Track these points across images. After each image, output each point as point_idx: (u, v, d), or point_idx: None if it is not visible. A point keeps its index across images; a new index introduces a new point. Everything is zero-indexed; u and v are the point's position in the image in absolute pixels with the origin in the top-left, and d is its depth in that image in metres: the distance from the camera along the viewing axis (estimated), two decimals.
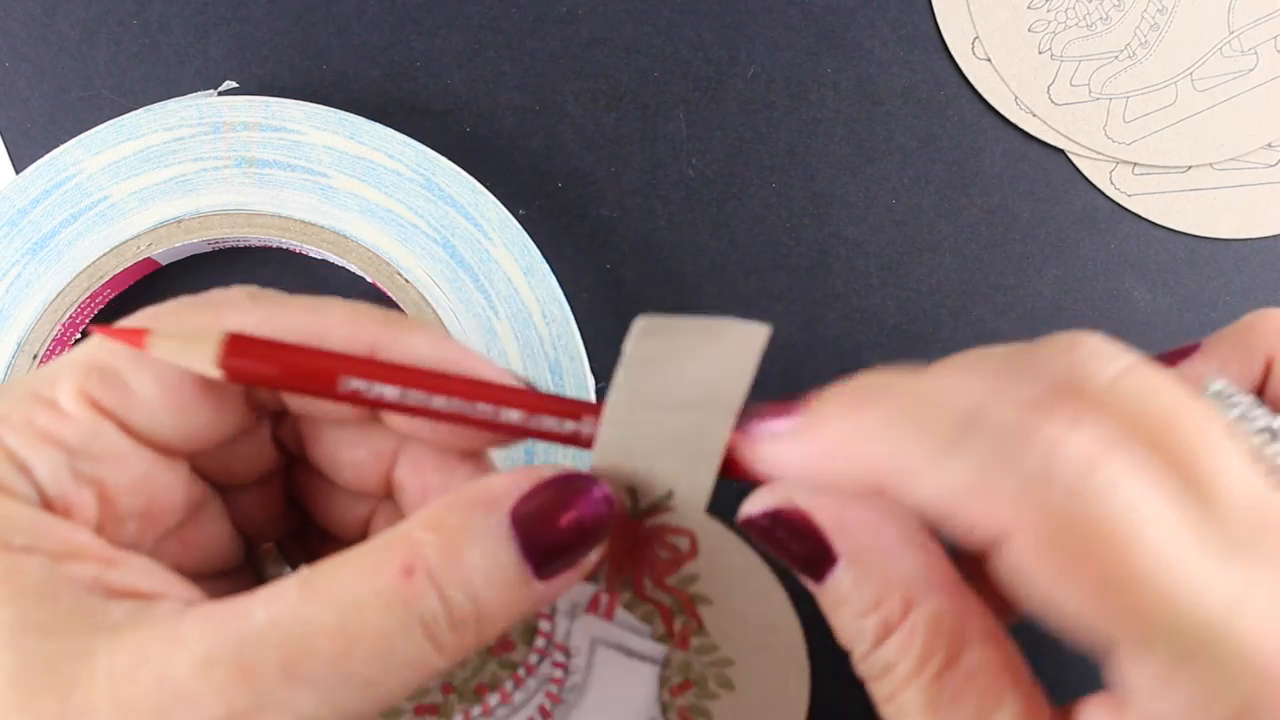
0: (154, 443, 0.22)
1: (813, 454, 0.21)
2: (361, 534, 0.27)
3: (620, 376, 0.22)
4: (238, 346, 0.21)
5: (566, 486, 0.22)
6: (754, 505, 0.22)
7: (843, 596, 0.21)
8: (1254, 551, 0.18)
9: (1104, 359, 0.20)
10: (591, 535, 0.22)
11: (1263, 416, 0.21)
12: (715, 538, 0.24)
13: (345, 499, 0.26)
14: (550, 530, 0.21)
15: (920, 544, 0.21)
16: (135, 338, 0.21)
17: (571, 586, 0.22)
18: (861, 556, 0.21)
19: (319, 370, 0.21)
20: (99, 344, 0.21)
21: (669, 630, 0.24)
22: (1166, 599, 0.18)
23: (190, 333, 0.21)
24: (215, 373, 0.21)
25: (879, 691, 0.21)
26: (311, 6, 0.38)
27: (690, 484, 0.23)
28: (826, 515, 0.21)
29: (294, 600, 0.19)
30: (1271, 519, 0.19)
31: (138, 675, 0.19)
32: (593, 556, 0.22)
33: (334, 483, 0.25)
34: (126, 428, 0.21)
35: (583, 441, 0.22)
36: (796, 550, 0.21)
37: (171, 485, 0.22)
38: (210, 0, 0.38)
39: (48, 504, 0.20)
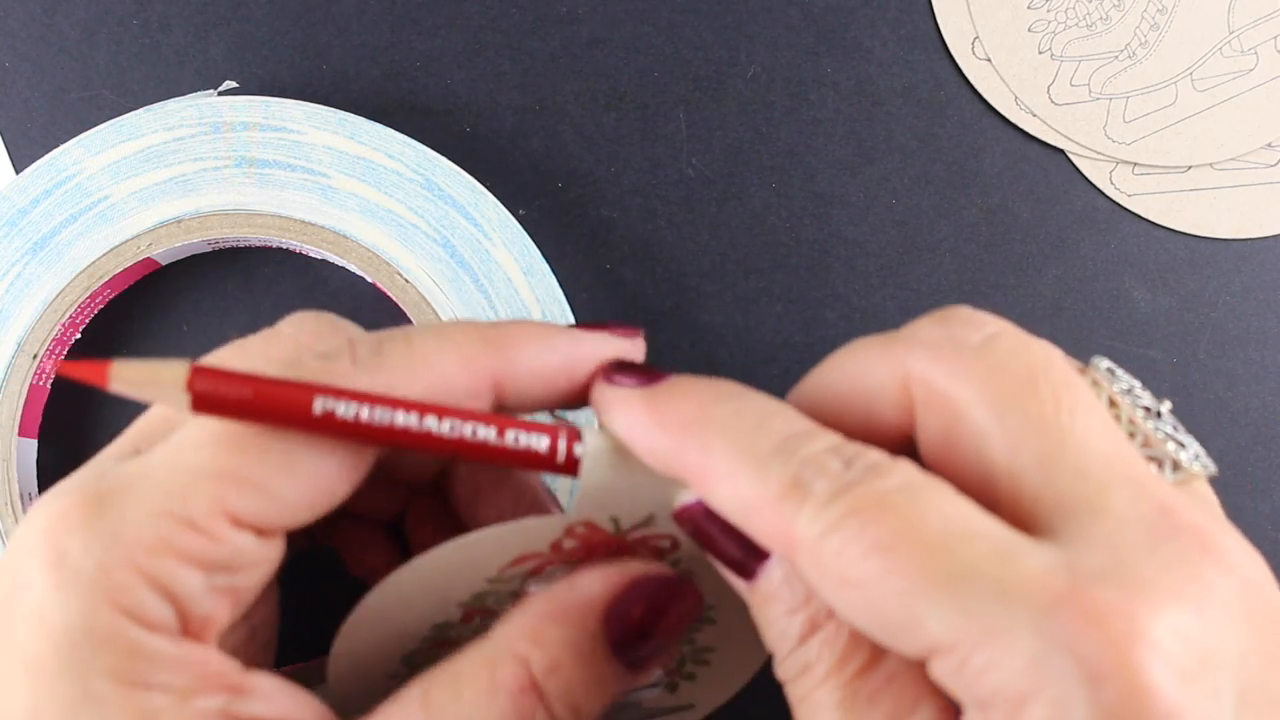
0: (283, 532, 0.21)
1: (645, 422, 0.21)
2: (394, 516, 0.28)
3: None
4: (203, 379, 0.20)
5: (660, 590, 0.22)
6: (690, 496, 0.22)
7: (772, 593, 0.21)
8: (1097, 500, 0.19)
9: (976, 325, 0.21)
10: (681, 635, 0.23)
11: (1147, 397, 0.22)
12: None
13: (383, 487, 0.26)
14: (646, 636, 0.22)
15: None
16: (97, 372, 0.20)
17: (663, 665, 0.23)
18: None
19: (291, 399, 0.20)
20: (230, 447, 0.20)
21: None
22: (950, 552, 0.18)
23: (153, 367, 0.20)
24: (183, 408, 0.20)
25: (796, 691, 0.21)
26: (311, 6, 0.38)
27: (670, 507, 0.23)
28: None
29: None
30: (1124, 472, 0.19)
31: None
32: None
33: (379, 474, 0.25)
34: (263, 532, 0.21)
35: (561, 469, 0.22)
36: (731, 543, 0.21)
37: (281, 554, 0.22)
38: (210, 0, 0.38)
39: (185, 623, 0.20)
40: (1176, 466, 0.21)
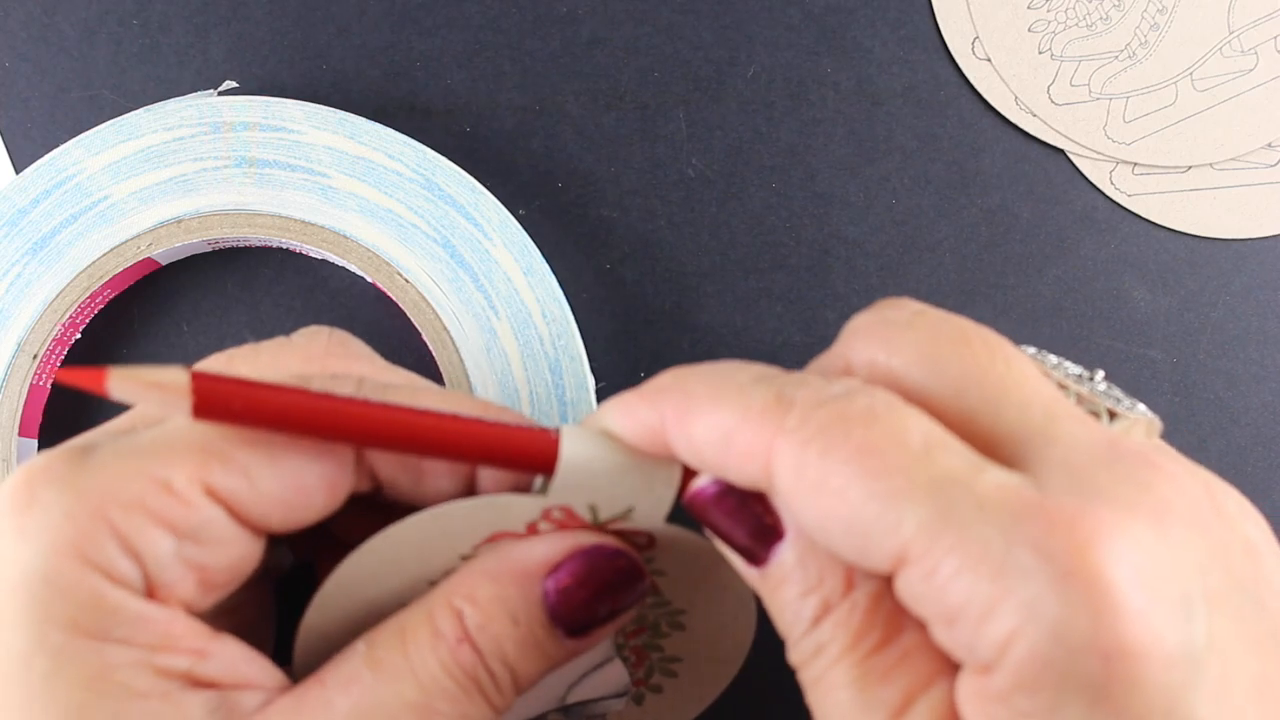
0: (258, 527, 0.21)
1: (625, 397, 0.22)
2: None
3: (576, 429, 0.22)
4: (205, 386, 0.20)
5: (601, 561, 0.23)
6: (703, 480, 0.22)
7: (785, 576, 0.21)
8: (1046, 431, 0.20)
9: (903, 306, 0.22)
10: (624, 608, 0.23)
11: (1076, 368, 0.23)
12: (673, 533, 0.24)
13: (379, 514, 0.26)
14: (582, 605, 0.22)
15: None
16: (95, 378, 0.20)
17: (605, 637, 0.23)
18: (807, 534, 0.21)
19: (293, 405, 0.21)
20: (219, 431, 0.21)
21: None
22: (921, 463, 0.19)
23: (152, 372, 0.20)
24: (185, 414, 0.20)
25: (809, 674, 0.21)
26: (311, 6, 0.38)
27: (650, 502, 0.23)
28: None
29: (370, 682, 0.21)
30: (1066, 411, 0.20)
31: None
32: (629, 614, 0.23)
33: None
34: (238, 515, 0.21)
35: (540, 468, 0.22)
36: (742, 525, 0.21)
37: (257, 555, 0.22)
38: (210, 0, 0.38)
39: (151, 588, 0.20)
40: (1114, 416, 0.22)
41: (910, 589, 0.19)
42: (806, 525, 0.20)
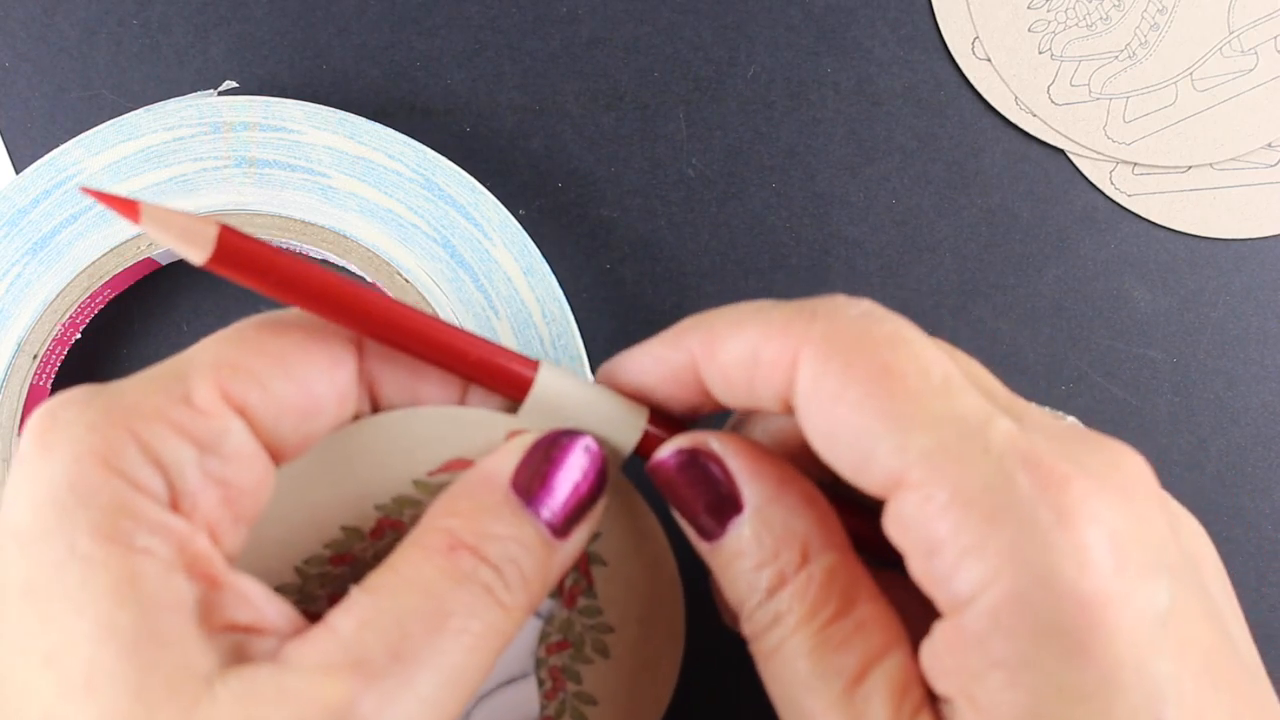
0: (273, 445, 0.21)
1: (645, 344, 0.23)
2: None
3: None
4: (229, 238, 0.21)
5: (552, 445, 0.23)
6: (667, 448, 0.23)
7: (740, 550, 0.22)
8: (1012, 408, 0.21)
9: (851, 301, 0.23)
10: (585, 484, 0.23)
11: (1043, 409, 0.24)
12: (624, 498, 0.24)
13: None
14: (548, 490, 0.22)
15: (820, 504, 0.22)
16: (129, 206, 0.20)
17: (588, 538, 0.23)
18: (766, 507, 0.22)
19: (307, 275, 0.22)
20: (232, 343, 0.21)
21: (559, 586, 0.24)
22: (940, 397, 0.20)
23: (182, 216, 0.21)
24: (203, 258, 0.21)
25: (765, 645, 0.21)
26: (311, 6, 0.38)
27: (613, 441, 0.23)
28: (739, 462, 0.22)
29: (371, 603, 0.20)
30: (1028, 405, 0.21)
31: (261, 692, 0.19)
32: (600, 505, 0.23)
33: None
34: (256, 428, 0.21)
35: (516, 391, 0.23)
36: (704, 494, 0.22)
37: (271, 483, 0.22)
38: (210, 0, 0.38)
39: (175, 500, 0.20)
40: None
41: (900, 514, 0.19)
42: (812, 435, 0.21)
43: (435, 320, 0.23)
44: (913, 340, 0.20)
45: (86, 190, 0.20)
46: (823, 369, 0.20)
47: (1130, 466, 0.20)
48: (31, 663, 0.18)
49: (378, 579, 0.21)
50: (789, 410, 0.21)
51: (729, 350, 0.22)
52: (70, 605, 0.18)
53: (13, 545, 0.19)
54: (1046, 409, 0.23)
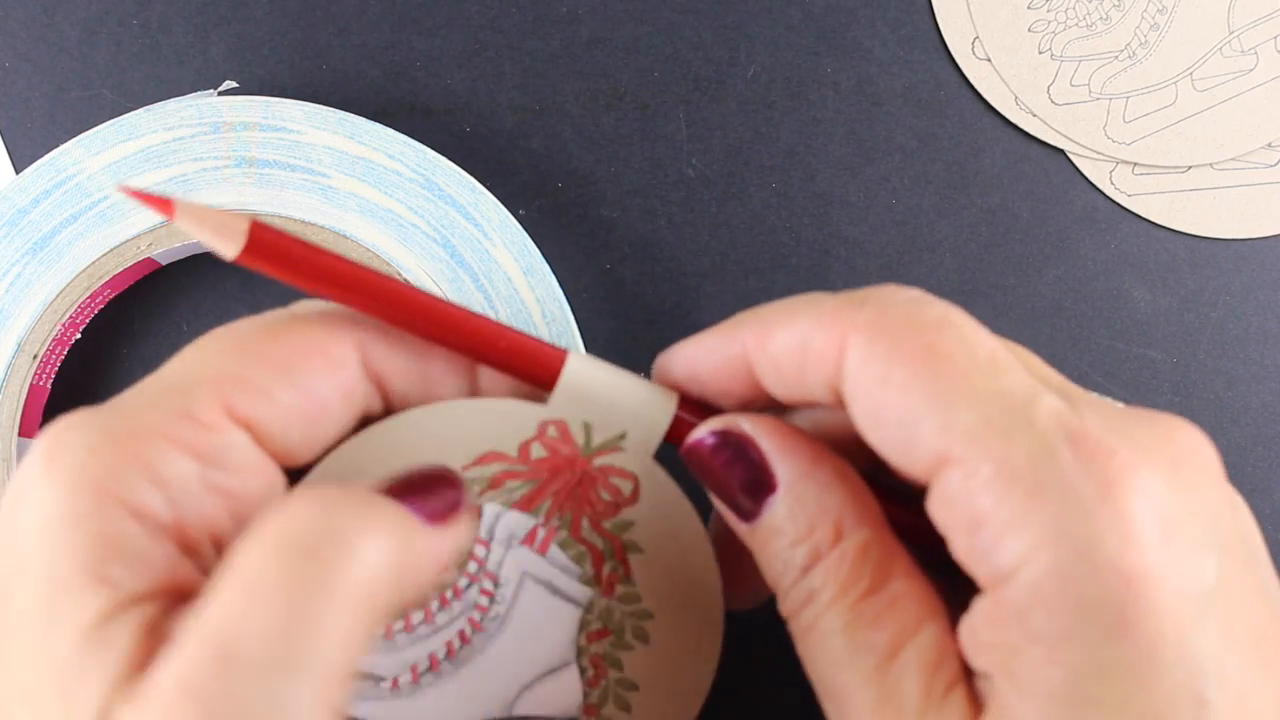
0: (281, 453, 0.21)
1: (696, 338, 0.23)
2: None
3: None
4: (260, 233, 0.21)
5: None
6: (701, 430, 0.23)
7: (776, 528, 0.22)
8: (1065, 390, 0.21)
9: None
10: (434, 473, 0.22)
11: None
12: (657, 485, 0.24)
13: None
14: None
15: (853, 481, 0.22)
16: (163, 203, 0.21)
17: (466, 534, 0.23)
18: (798, 485, 0.22)
19: (330, 267, 0.22)
20: (233, 354, 0.21)
21: (597, 574, 0.24)
22: (985, 375, 0.20)
23: (215, 212, 0.21)
24: (236, 252, 0.21)
25: (801, 622, 0.21)
26: (311, 6, 0.38)
27: (644, 427, 0.23)
28: (771, 442, 0.22)
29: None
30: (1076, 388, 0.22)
31: None
32: (469, 494, 0.23)
33: None
34: (259, 437, 0.21)
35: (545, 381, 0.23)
36: (738, 475, 0.22)
37: (280, 488, 0.22)
38: (210, 0, 0.38)
39: (179, 519, 0.20)
40: None
41: (944, 492, 0.20)
42: (860, 419, 0.21)
43: (464, 309, 0.23)
44: (960, 323, 0.21)
45: (123, 189, 0.21)
46: (870, 352, 0.20)
47: (1185, 440, 0.20)
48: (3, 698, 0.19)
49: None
50: (839, 402, 0.22)
51: (780, 340, 0.22)
52: (39, 643, 0.19)
53: (18, 575, 0.19)
54: (1107, 399, 0.23)
